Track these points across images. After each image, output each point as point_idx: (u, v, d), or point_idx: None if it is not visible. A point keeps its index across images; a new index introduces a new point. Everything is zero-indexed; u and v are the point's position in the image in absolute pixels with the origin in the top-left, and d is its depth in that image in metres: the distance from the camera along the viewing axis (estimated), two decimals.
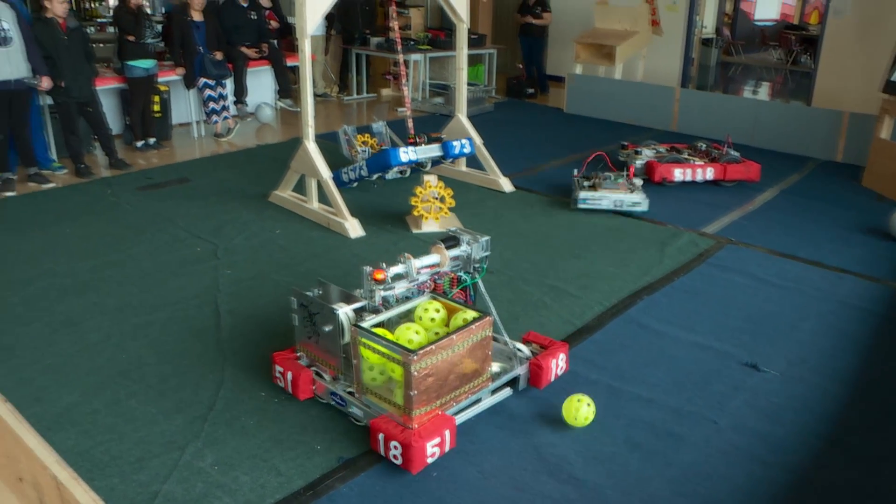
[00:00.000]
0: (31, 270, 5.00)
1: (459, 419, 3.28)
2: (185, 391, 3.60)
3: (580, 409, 3.32)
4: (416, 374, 2.98)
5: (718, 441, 3.29)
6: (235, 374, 3.74)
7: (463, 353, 3.16)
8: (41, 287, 4.76)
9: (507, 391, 3.56)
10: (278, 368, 3.58)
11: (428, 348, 3.01)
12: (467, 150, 6.23)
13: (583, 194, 6.21)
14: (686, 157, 7.19)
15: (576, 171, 6.75)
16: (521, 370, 3.59)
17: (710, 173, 6.97)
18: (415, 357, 2.95)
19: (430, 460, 3.04)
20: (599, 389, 3.65)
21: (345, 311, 3.34)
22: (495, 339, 3.67)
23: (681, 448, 3.23)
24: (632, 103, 9.91)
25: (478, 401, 3.40)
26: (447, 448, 3.11)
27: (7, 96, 6.41)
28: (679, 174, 6.95)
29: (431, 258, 3.63)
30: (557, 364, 3.67)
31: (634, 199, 6.20)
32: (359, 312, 3.39)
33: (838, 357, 4.02)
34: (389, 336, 3.20)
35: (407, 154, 5.86)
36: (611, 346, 4.10)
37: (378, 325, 3.33)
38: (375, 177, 6.16)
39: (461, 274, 3.72)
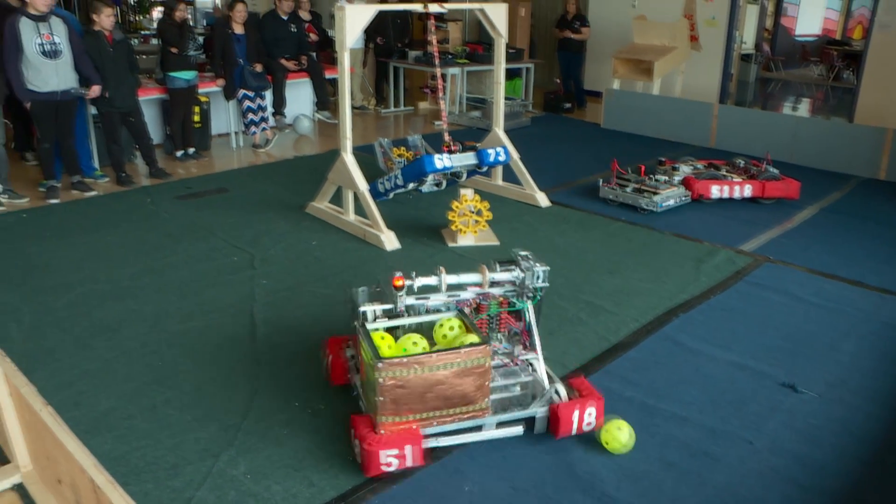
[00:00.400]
0: (72, 276, 5.10)
1: (447, 442, 3.22)
2: (219, 399, 3.64)
3: (613, 433, 3.27)
4: (381, 381, 2.99)
5: (754, 462, 3.24)
6: (269, 384, 3.77)
7: (447, 375, 3.07)
8: (82, 293, 4.85)
9: (518, 429, 3.32)
10: (326, 350, 3.70)
11: (398, 360, 3.01)
12: (502, 157, 6.20)
13: (657, 198, 6.57)
14: (724, 173, 7.12)
15: (602, 182, 6.94)
16: (539, 411, 3.35)
17: (748, 190, 6.89)
18: (380, 364, 2.97)
19: (385, 469, 3.05)
20: (634, 407, 3.62)
21: (372, 310, 3.40)
22: (551, 379, 3.48)
23: (716, 468, 3.19)
24: (670, 119, 9.85)
25: (478, 428, 3.27)
26: (409, 463, 3.08)
27: (54, 106, 6.56)
28: (717, 191, 6.87)
29: (468, 276, 3.60)
30: (580, 418, 3.31)
31: (685, 192, 6.81)
32: (387, 315, 3.44)
33: (880, 379, 3.94)
34: (387, 340, 3.23)
35: (442, 161, 5.78)
36: (646, 363, 4.06)
37: (391, 329, 3.38)
38: (411, 186, 6.15)
39: (513, 299, 3.56)
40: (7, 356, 2.85)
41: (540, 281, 3.52)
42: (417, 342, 3.26)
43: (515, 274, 3.55)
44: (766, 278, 5.22)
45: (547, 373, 3.48)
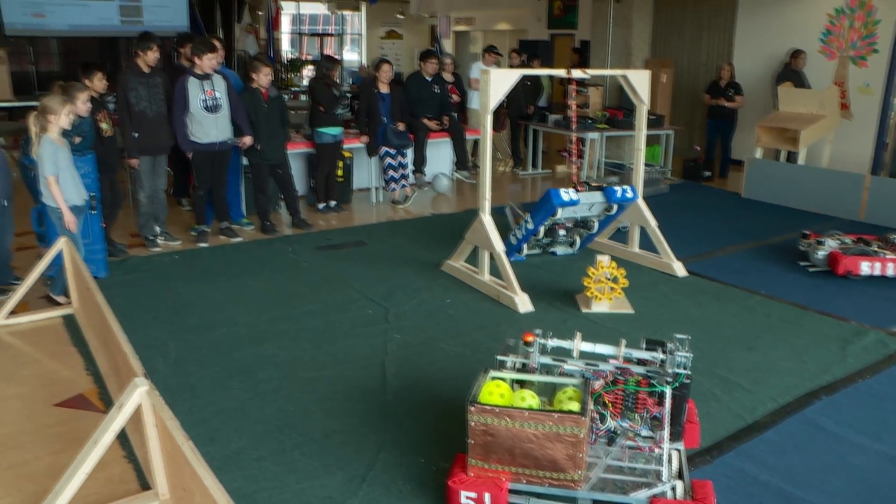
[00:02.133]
0: (215, 317, 5.37)
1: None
2: (346, 449, 3.71)
3: None
4: (471, 423, 3.08)
5: None
6: (397, 438, 3.81)
7: (536, 434, 3.04)
8: (222, 334, 5.09)
9: None
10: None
11: (490, 407, 3.06)
12: (630, 195, 6.21)
13: (821, 255, 6.68)
14: (875, 249, 6.73)
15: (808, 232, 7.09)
16: (637, 501, 3.11)
17: None
18: (472, 408, 3.06)
19: None
20: (769, 492, 3.42)
21: (512, 361, 3.53)
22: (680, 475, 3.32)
23: None
24: (815, 190, 9.43)
25: (573, 500, 3.18)
26: None
27: (211, 156, 7.02)
28: (866, 267, 6.50)
29: (603, 347, 3.54)
30: None
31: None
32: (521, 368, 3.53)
33: None
34: (501, 389, 3.25)
35: (568, 194, 5.88)
36: (784, 446, 3.84)
37: (519, 381, 3.42)
38: (543, 233, 6.07)
39: (654, 381, 3.40)
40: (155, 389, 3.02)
41: (680, 367, 3.40)
42: (526, 398, 3.22)
43: (655, 355, 3.46)
44: None
45: (680, 466, 3.33)
